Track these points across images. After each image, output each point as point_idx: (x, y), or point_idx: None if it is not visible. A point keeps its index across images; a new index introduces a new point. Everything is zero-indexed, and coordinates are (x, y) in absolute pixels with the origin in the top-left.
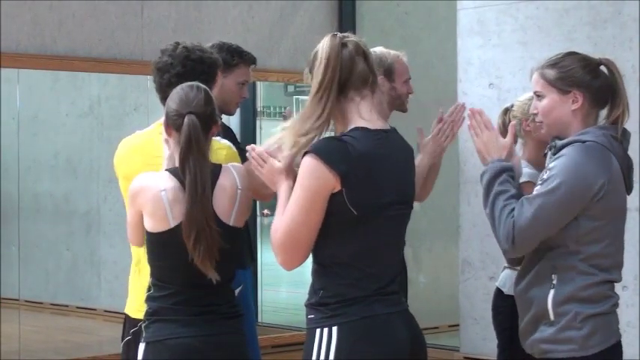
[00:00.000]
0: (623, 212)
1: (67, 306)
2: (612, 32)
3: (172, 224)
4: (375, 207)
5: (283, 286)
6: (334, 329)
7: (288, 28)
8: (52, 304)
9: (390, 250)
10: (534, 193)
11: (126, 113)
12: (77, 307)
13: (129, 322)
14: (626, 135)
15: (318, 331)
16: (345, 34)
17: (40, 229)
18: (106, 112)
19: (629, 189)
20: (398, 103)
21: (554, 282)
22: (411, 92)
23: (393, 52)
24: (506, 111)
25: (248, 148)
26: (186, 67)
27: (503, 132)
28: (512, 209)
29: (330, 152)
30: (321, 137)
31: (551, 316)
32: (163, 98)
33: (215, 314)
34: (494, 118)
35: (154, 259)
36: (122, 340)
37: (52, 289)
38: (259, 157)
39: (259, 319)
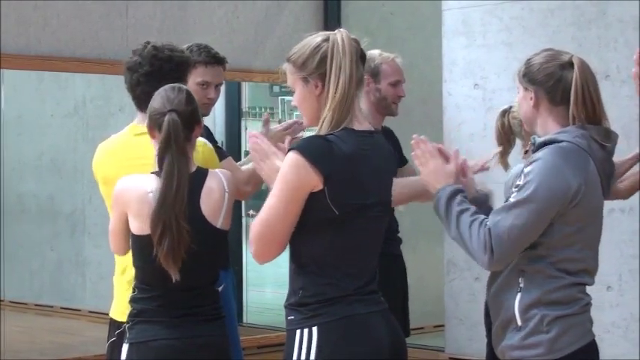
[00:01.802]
0: (598, 216)
1: (51, 306)
2: (597, 33)
3: None
4: (357, 207)
5: (268, 287)
6: (314, 329)
7: (273, 28)
8: (36, 305)
9: (369, 251)
10: (511, 200)
11: (111, 114)
12: (62, 308)
13: (113, 325)
14: (611, 137)
15: (298, 332)
16: (342, 29)
17: (25, 230)
18: (90, 112)
19: (606, 193)
20: (384, 105)
21: (522, 285)
22: (400, 95)
23: (385, 54)
24: (504, 113)
25: (251, 135)
26: (153, 66)
27: (502, 134)
28: (483, 220)
29: (314, 151)
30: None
31: (519, 322)
32: (134, 98)
33: (199, 316)
34: (480, 118)
35: (138, 261)
36: (107, 342)
37: (36, 290)
38: (264, 151)
39: (244, 320)
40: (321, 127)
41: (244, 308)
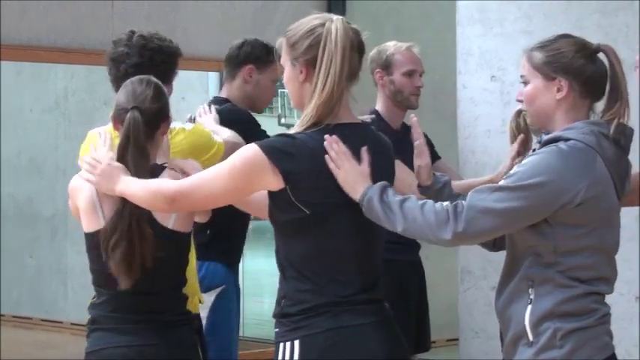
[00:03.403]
0: (611, 220)
1: (30, 318)
2: (624, 20)
3: (104, 224)
4: (334, 206)
5: (267, 297)
6: (296, 343)
7: (272, 15)
8: (14, 317)
9: (360, 255)
10: (498, 184)
11: (95, 108)
12: (42, 320)
13: None
14: (626, 132)
15: (281, 346)
16: (341, 17)
17: (2, 235)
18: (73, 106)
19: (620, 195)
20: (400, 99)
21: (532, 297)
22: (418, 86)
23: (399, 43)
24: (519, 113)
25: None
26: (143, 57)
27: (516, 136)
28: (434, 203)
29: (275, 147)
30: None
31: (530, 336)
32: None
33: (155, 323)
34: (497, 113)
35: (90, 263)
36: None
37: (14, 300)
38: None
39: (241, 333)
40: (302, 122)
41: (241, 320)
